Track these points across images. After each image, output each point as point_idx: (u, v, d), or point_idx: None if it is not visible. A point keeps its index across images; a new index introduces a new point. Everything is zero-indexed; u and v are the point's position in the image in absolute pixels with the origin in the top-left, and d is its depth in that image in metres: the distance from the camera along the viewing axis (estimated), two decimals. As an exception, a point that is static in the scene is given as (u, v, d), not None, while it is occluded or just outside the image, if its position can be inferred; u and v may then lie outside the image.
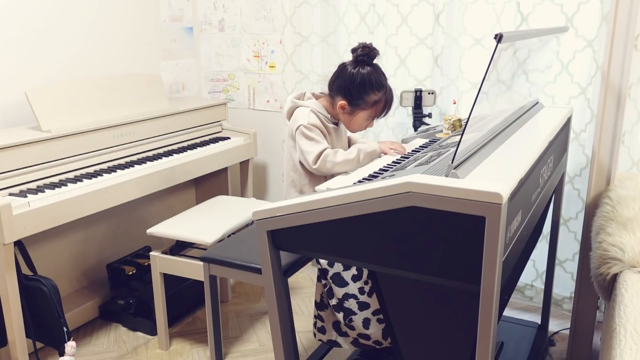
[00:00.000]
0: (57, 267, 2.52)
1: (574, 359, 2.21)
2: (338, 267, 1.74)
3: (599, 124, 2.00)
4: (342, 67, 1.88)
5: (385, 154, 1.86)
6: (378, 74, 1.86)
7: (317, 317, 1.85)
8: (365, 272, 1.72)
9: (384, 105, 1.89)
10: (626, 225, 1.74)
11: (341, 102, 1.87)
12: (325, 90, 1.94)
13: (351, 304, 1.72)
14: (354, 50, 1.87)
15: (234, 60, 3.22)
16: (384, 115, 1.93)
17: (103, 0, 2.71)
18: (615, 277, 1.62)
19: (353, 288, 1.72)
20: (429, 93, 2.54)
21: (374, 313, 1.72)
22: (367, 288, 1.72)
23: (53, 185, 2.12)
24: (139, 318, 2.51)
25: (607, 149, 2.01)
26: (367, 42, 1.87)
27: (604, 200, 1.98)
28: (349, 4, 2.74)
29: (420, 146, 1.93)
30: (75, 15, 2.60)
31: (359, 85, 1.84)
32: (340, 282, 1.73)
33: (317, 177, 1.87)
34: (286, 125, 1.94)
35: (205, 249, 2.14)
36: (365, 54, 1.84)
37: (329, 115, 1.92)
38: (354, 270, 1.73)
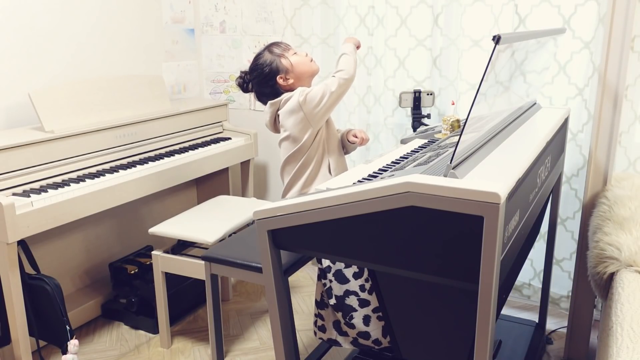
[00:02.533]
0: (60, 266, 2.54)
1: (571, 357, 2.23)
2: (340, 263, 1.76)
3: (596, 124, 2.02)
4: (256, 95, 2.02)
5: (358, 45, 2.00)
6: (254, 64, 1.99)
7: (318, 315, 1.87)
8: (367, 270, 1.74)
9: (276, 45, 1.98)
10: (623, 224, 1.76)
11: (279, 78, 1.94)
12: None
13: (352, 300, 1.74)
14: (245, 89, 2.03)
15: (235, 62, 3.24)
16: (290, 47, 2.00)
17: (105, 2, 2.73)
18: (612, 276, 1.64)
19: (354, 285, 1.74)
20: (427, 94, 2.56)
21: (374, 310, 1.74)
22: (367, 285, 1.74)
23: (56, 185, 2.13)
24: (141, 316, 2.53)
25: (604, 149, 2.03)
26: (238, 76, 2.03)
27: (600, 200, 2.00)
28: (348, 6, 2.76)
29: (419, 146, 1.95)
30: (78, 16, 2.62)
31: (264, 71, 1.95)
32: (342, 279, 1.75)
33: (311, 183, 1.91)
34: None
35: (206, 248, 2.16)
36: (245, 83, 2.02)
37: None
38: (355, 268, 1.74)
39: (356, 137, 2.03)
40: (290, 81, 1.95)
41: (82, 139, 2.29)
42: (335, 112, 2.93)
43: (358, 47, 1.99)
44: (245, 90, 2.03)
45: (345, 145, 2.06)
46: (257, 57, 1.99)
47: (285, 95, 1.91)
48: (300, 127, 1.87)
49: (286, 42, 2.06)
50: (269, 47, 1.99)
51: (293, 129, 1.88)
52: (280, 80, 1.94)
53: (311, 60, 2.00)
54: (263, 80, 1.96)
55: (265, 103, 1.99)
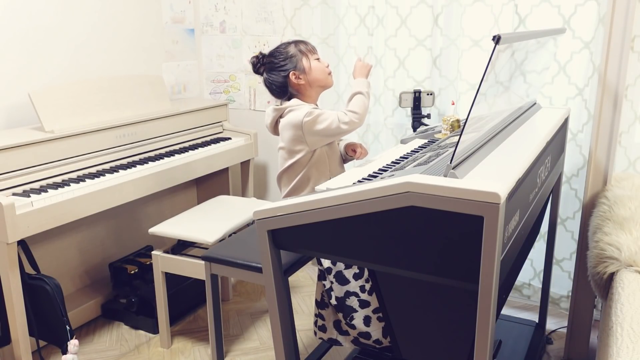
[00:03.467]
0: (60, 266, 2.54)
1: (571, 357, 2.23)
2: (340, 264, 1.76)
3: (596, 124, 2.02)
4: (265, 81, 1.97)
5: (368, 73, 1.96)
6: (275, 50, 1.96)
7: (318, 315, 1.87)
8: (367, 271, 1.74)
9: (304, 44, 1.95)
10: (623, 224, 1.76)
11: (292, 74, 1.90)
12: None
13: (352, 301, 1.74)
14: (256, 70, 1.97)
15: (235, 62, 3.24)
16: (312, 50, 1.95)
17: (105, 2, 2.73)
18: (612, 276, 1.64)
19: (354, 286, 1.74)
20: (427, 94, 2.56)
21: (374, 311, 1.74)
22: (368, 286, 1.74)
23: (56, 185, 2.13)
24: (141, 316, 2.53)
25: (604, 149, 2.03)
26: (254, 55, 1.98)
27: (600, 200, 2.00)
28: (348, 6, 2.76)
29: (419, 146, 1.95)
30: (78, 16, 2.62)
31: (281, 61, 1.91)
32: (342, 280, 1.75)
33: (309, 185, 1.91)
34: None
35: (206, 248, 2.16)
36: (259, 64, 1.95)
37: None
38: (355, 269, 1.75)
39: (355, 151, 2.01)
40: (302, 82, 1.91)
41: (82, 139, 2.29)
42: (335, 112, 2.93)
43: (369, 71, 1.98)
44: (256, 70, 1.97)
45: (344, 157, 2.05)
46: (281, 45, 1.95)
47: (291, 104, 1.88)
48: (295, 143, 1.84)
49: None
50: (296, 42, 1.95)
51: (288, 142, 1.85)
52: (292, 77, 1.90)
53: (329, 74, 1.96)
54: (277, 68, 1.92)
55: (269, 89, 1.96)
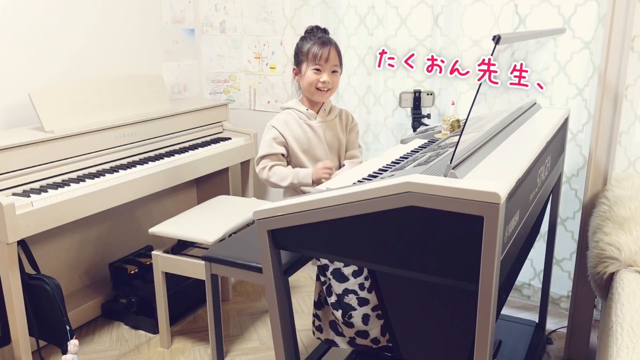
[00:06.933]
0: (59, 266, 2.54)
1: (571, 357, 2.23)
2: (338, 262, 1.76)
3: (596, 124, 2.02)
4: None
5: (319, 181, 1.90)
6: (313, 34, 2.00)
7: (315, 315, 1.87)
8: (366, 269, 1.74)
9: (317, 50, 1.94)
10: (623, 224, 1.76)
11: (293, 68, 2.04)
12: None
13: (351, 299, 1.74)
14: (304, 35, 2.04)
15: (235, 62, 3.24)
16: (323, 61, 1.94)
17: (105, 2, 2.73)
18: (612, 276, 1.64)
19: (353, 284, 1.74)
20: (427, 94, 2.56)
21: (374, 309, 1.73)
22: (367, 284, 1.74)
23: (56, 185, 2.13)
24: (141, 316, 2.53)
25: (604, 149, 2.03)
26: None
27: (600, 200, 2.00)
28: (348, 6, 2.76)
29: (419, 146, 1.95)
30: (78, 17, 2.62)
31: (298, 50, 2.01)
32: (341, 277, 1.74)
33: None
34: None
35: (206, 248, 2.16)
36: (308, 32, 2.02)
37: (308, 109, 2.04)
38: (354, 267, 1.75)
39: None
40: (297, 80, 2.04)
41: (82, 139, 2.29)
42: (335, 112, 2.93)
43: (317, 179, 1.92)
44: (304, 35, 2.02)
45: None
46: (310, 35, 1.98)
47: (286, 106, 2.05)
48: None
49: (332, 55, 1.96)
50: (318, 42, 1.94)
51: None
52: (293, 71, 2.04)
53: (318, 89, 1.97)
54: (295, 50, 2.01)
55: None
